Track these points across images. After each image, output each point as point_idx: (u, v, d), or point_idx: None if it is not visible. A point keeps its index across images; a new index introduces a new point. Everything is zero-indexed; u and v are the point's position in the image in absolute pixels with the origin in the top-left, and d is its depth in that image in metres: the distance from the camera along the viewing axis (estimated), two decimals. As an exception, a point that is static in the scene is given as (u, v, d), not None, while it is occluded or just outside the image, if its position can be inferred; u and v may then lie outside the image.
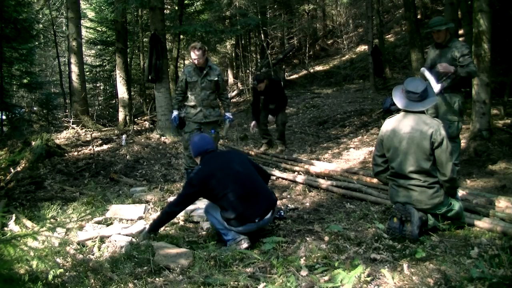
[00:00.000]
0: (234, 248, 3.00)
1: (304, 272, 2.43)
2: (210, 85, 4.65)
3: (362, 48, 16.71)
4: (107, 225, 3.79)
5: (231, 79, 16.95)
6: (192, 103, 4.70)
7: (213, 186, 3.10)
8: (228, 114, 4.89)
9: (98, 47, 15.27)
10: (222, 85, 4.80)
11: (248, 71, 14.69)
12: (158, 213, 4.11)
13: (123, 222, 3.80)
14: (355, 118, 8.72)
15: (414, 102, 3.07)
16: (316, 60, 18.20)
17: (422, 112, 3.12)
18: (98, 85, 16.54)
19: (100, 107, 15.38)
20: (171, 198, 4.50)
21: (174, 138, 7.40)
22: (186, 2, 12.00)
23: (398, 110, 3.28)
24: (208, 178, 3.12)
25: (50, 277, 2.55)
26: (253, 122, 6.71)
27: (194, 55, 4.45)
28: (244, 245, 3.05)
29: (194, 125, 4.74)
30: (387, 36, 15.86)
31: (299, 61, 18.39)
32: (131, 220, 3.88)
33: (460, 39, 8.95)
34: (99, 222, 3.86)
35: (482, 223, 3.07)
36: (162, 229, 3.73)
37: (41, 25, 12.91)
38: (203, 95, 4.65)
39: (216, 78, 4.66)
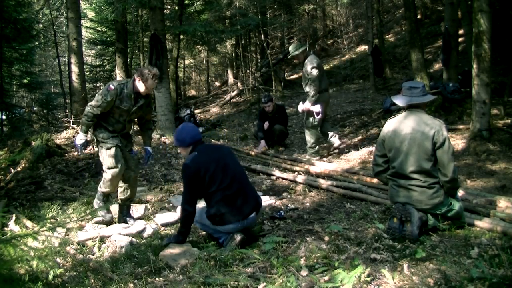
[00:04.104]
0: (232, 247, 3.00)
1: (304, 272, 2.43)
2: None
3: (362, 48, 16.71)
4: (107, 225, 3.80)
5: (231, 79, 16.95)
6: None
7: (205, 177, 3.01)
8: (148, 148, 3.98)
9: (98, 47, 15.28)
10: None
11: (248, 71, 14.68)
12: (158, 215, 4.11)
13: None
14: (355, 118, 8.72)
15: (417, 97, 3.11)
16: (316, 60, 18.18)
17: (424, 112, 3.14)
18: (98, 85, 16.53)
19: (100, 107, 15.35)
20: (172, 198, 4.51)
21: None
22: (186, 2, 12.00)
23: (398, 110, 3.29)
24: (203, 166, 3.03)
25: (50, 277, 2.55)
26: (262, 142, 6.70)
27: (152, 84, 3.63)
28: (238, 238, 3.05)
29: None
30: (387, 36, 15.86)
31: (299, 61, 18.38)
32: (131, 220, 3.88)
33: (460, 39, 8.97)
34: (99, 222, 3.86)
35: (482, 223, 3.06)
36: (162, 228, 3.74)
37: (41, 25, 12.93)
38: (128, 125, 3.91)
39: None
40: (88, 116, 3.60)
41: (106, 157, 3.64)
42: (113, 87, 3.58)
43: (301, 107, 5.86)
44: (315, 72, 5.60)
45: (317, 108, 5.72)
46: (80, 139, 3.69)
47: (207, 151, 3.19)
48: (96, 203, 3.82)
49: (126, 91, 3.63)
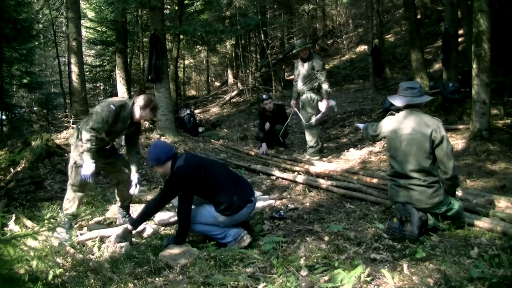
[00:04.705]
0: (235, 248, 2.98)
1: (304, 272, 2.43)
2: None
3: (362, 48, 16.71)
4: (107, 225, 3.79)
5: (231, 79, 16.94)
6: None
7: (205, 175, 3.05)
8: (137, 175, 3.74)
9: (98, 47, 15.27)
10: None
11: (248, 71, 14.68)
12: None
13: (123, 222, 3.80)
14: (355, 118, 8.72)
15: (415, 97, 3.11)
16: (316, 60, 18.20)
17: (422, 111, 3.14)
18: (98, 85, 16.54)
19: (100, 107, 15.34)
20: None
21: (174, 138, 7.40)
22: (186, 2, 11.99)
23: (398, 110, 3.29)
24: (200, 165, 3.09)
25: (50, 277, 2.55)
26: (264, 145, 6.57)
27: (148, 115, 3.62)
28: (247, 240, 3.03)
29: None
30: (387, 36, 15.86)
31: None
32: (131, 220, 3.88)
33: (460, 39, 8.98)
34: (99, 222, 3.86)
35: (482, 223, 3.07)
36: (162, 228, 3.74)
37: (41, 25, 12.92)
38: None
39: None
40: (93, 141, 3.32)
41: (75, 174, 3.47)
42: (113, 108, 3.43)
43: (323, 107, 5.77)
44: (325, 68, 5.88)
45: (332, 102, 5.94)
46: (89, 167, 3.30)
47: (188, 156, 3.25)
48: (61, 230, 3.49)
49: (123, 114, 3.52)
